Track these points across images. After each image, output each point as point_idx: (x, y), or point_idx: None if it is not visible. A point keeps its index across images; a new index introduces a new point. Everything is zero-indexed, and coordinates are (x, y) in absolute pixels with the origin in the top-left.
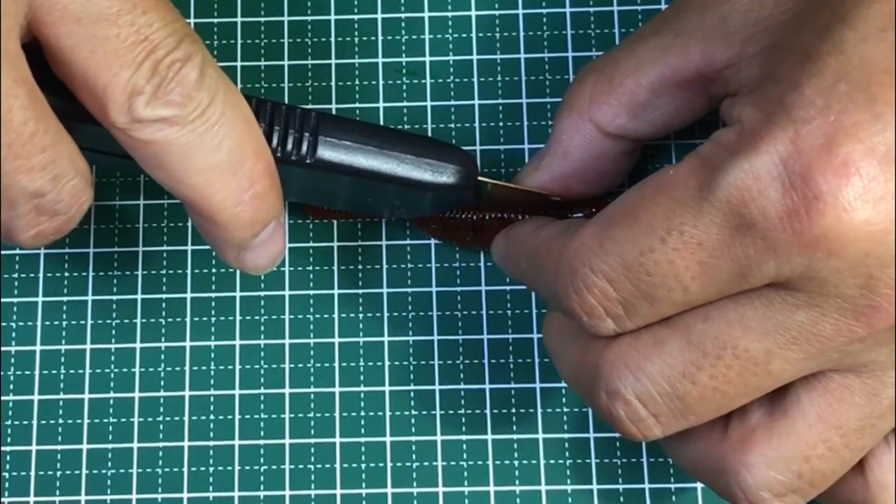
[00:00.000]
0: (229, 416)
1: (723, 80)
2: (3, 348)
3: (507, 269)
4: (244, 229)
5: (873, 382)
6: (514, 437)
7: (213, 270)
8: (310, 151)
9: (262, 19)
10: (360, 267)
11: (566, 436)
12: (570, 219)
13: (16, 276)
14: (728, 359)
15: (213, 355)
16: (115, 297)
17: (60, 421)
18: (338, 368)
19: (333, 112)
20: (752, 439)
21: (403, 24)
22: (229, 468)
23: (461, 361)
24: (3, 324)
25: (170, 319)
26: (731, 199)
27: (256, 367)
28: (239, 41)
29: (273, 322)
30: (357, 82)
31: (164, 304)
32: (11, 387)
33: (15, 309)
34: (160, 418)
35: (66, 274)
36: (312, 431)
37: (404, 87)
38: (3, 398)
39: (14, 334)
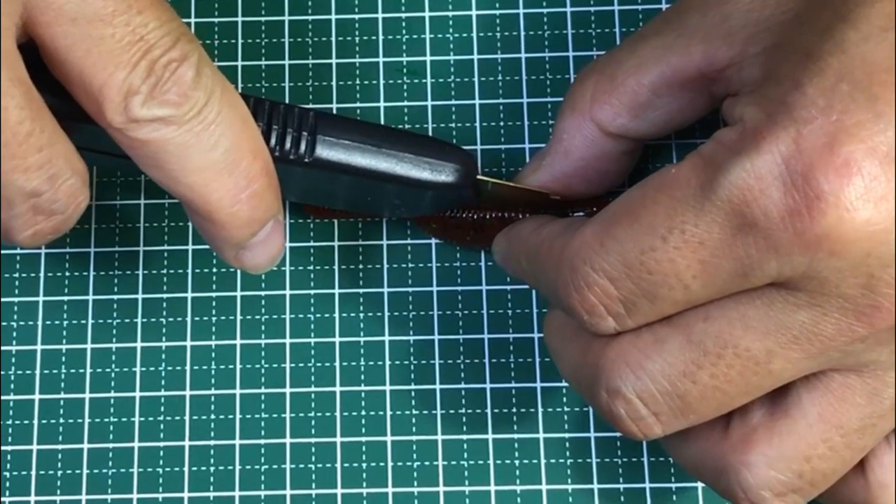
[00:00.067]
0: (230, 416)
1: (724, 80)
2: (3, 348)
3: (509, 268)
4: (242, 228)
5: (874, 382)
6: (515, 436)
7: (214, 270)
8: (308, 150)
9: (263, 19)
10: (360, 266)
11: (567, 435)
12: (572, 217)
13: (16, 275)
14: (729, 358)
15: (213, 355)
16: (115, 297)
17: (61, 420)
18: (339, 368)
19: (334, 111)
20: (752, 439)
21: (404, 24)
22: (230, 467)
23: (462, 361)
24: (4, 323)
25: (171, 319)
26: (733, 199)
27: (257, 366)
28: (240, 40)
29: (274, 321)
30: (358, 82)
31: (164, 304)
32: (12, 386)
33: (16, 308)
34: (161, 418)
35: (67, 273)
36: (313, 431)
37: (405, 86)
38: (3, 398)
39: (15, 334)
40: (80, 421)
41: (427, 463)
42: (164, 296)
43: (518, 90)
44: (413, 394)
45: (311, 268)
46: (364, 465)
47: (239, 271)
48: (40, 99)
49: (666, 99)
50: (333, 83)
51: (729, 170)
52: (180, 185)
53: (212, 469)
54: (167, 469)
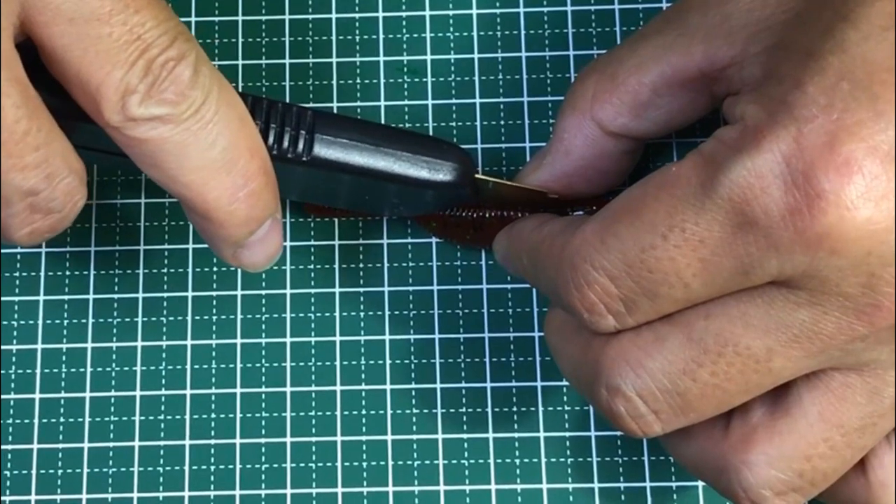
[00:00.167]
0: (230, 415)
1: (725, 79)
2: (4, 347)
3: (509, 267)
4: (240, 227)
5: (875, 381)
6: (516, 435)
7: (215, 269)
8: (306, 149)
9: (264, 18)
10: (361, 265)
11: (567, 434)
12: (573, 216)
13: (17, 274)
14: (729, 356)
15: (214, 354)
16: (116, 296)
17: (62, 419)
18: (339, 367)
19: (335, 110)
20: (753, 438)
21: (405, 23)
22: (230, 466)
23: (462, 360)
24: (5, 322)
25: (171, 318)
26: (734, 197)
27: (258, 365)
28: (240, 39)
29: (274, 320)
30: (358, 81)
31: (165, 303)
32: (13, 385)
33: (16, 307)
34: (161, 417)
35: (68, 272)
36: (314, 430)
37: (405, 85)
38: (4, 397)
39: (15, 333)
40: (80, 420)
41: (428, 462)
42: (165, 295)
43: (518, 89)
44: (413, 393)
45: (312, 267)
46: (364, 463)
47: (239, 270)
48: (37, 98)
49: (667, 98)
50: (334, 82)
51: (730, 168)
52: (178, 183)
53: (212, 468)
54: (168, 468)
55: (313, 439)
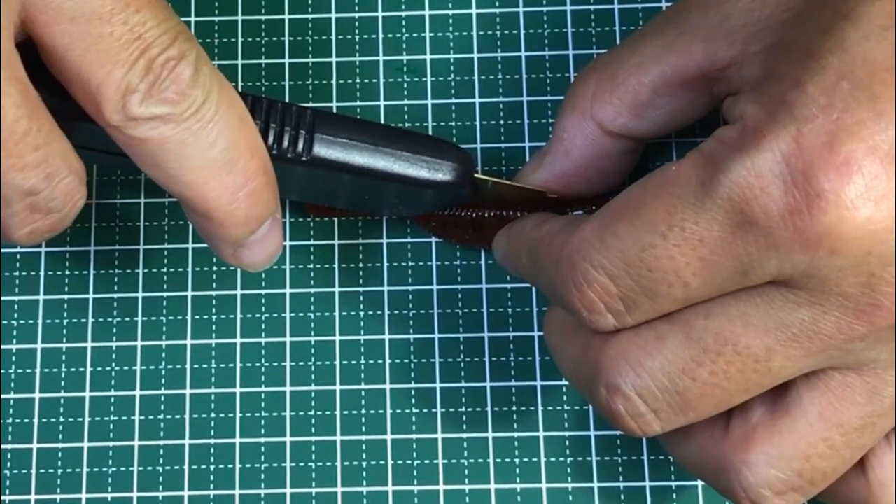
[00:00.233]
0: (230, 414)
1: (725, 79)
2: (4, 346)
3: (509, 266)
4: (240, 226)
5: (874, 381)
6: (515, 434)
7: (214, 268)
8: (306, 149)
9: (263, 17)
10: (360, 265)
11: (567, 433)
12: (573, 215)
13: (17, 274)
14: (729, 355)
15: (213, 353)
16: (115, 295)
17: (61, 419)
18: (339, 366)
19: (334, 110)
20: (753, 437)
21: (404, 22)
22: (230, 466)
23: (462, 359)
24: (4, 322)
25: (171, 317)
26: (733, 196)
27: (257, 364)
28: (240, 39)
29: (274, 320)
30: (358, 80)
31: (164, 302)
32: (12, 385)
33: (16, 307)
34: (161, 416)
35: (67, 272)
36: (313, 429)
37: (405, 85)
38: (4, 396)
39: (15, 332)
40: (80, 419)
41: (427, 461)
42: (165, 294)
43: (518, 89)
44: (413, 392)
45: (312, 266)
46: (364, 463)
47: (239, 270)
48: (37, 97)
49: (667, 98)
50: (333, 82)
51: (729, 168)
52: (178, 183)
53: (212, 467)
54: (167, 467)
55: (313, 439)
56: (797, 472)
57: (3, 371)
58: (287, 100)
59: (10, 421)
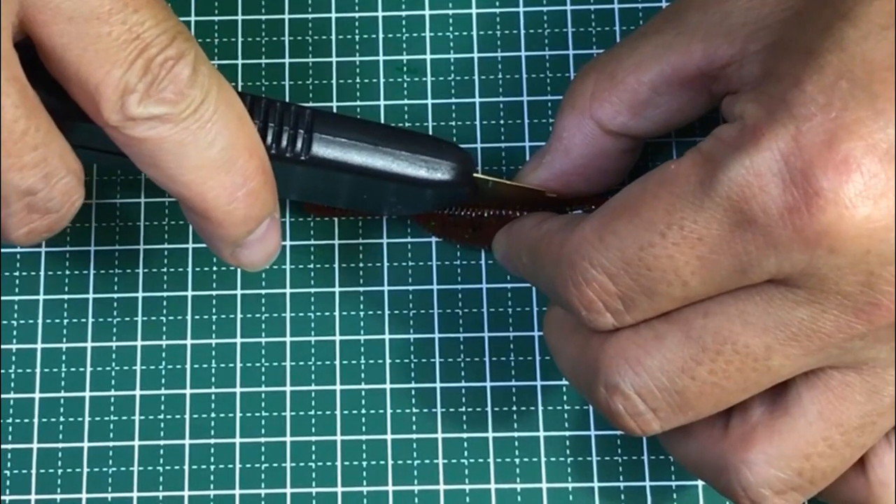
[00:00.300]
0: (230, 414)
1: (724, 78)
2: (4, 346)
3: (509, 265)
4: (238, 226)
5: (874, 380)
6: (515, 434)
7: (214, 268)
8: (304, 148)
9: (263, 17)
10: (361, 265)
11: (567, 433)
12: (573, 214)
13: (17, 274)
14: (728, 354)
15: (214, 353)
16: (116, 295)
17: (61, 419)
18: (339, 366)
19: (334, 110)
20: (752, 437)
21: (404, 22)
22: (230, 466)
23: (462, 359)
24: (4, 322)
25: (171, 317)
26: (732, 195)
27: (257, 364)
28: (240, 39)
29: (274, 320)
30: (358, 80)
31: (165, 302)
32: (12, 385)
33: (16, 307)
34: (161, 416)
35: (67, 272)
36: (313, 429)
37: (405, 84)
38: (4, 396)
39: (15, 332)
40: (80, 419)
41: (427, 461)
42: (165, 294)
43: (518, 88)
44: (413, 392)
45: (312, 266)
46: (364, 463)
47: (239, 270)
48: (36, 97)
49: (666, 97)
50: (333, 81)
51: (728, 166)
52: (177, 183)
53: (212, 467)
54: (167, 467)
55: (313, 438)
56: (797, 472)
57: (3, 371)
58: (287, 100)
59: (10, 421)
